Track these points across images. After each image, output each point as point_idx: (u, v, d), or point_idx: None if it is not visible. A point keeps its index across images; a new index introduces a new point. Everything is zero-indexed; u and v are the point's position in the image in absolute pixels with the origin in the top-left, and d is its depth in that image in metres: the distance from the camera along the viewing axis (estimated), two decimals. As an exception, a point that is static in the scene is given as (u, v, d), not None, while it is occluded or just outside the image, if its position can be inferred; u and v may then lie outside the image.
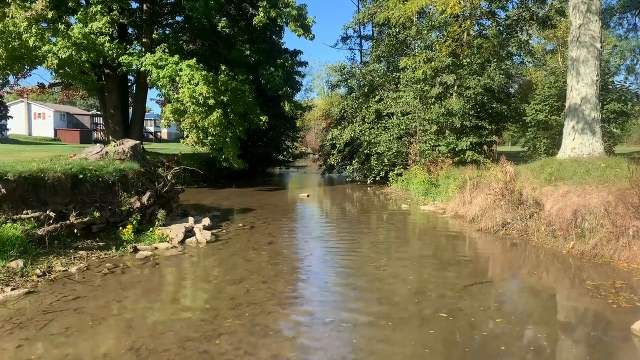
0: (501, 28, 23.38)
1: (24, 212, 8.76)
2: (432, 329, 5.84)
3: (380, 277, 8.15)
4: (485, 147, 19.31)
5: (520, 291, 7.76)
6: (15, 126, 49.91)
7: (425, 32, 23.20)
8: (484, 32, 23.23)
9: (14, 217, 8.52)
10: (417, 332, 5.76)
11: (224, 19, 24.75)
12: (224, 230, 12.15)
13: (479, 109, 21.07)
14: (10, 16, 18.10)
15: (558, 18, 24.27)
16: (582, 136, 14.02)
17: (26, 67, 20.93)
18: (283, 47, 29.24)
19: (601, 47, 14.67)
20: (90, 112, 59.43)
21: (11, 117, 45.78)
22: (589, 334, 5.86)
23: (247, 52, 23.27)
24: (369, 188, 24.06)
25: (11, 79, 23.69)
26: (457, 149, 19.83)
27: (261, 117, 22.20)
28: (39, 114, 54.01)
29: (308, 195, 20.80)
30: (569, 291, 7.73)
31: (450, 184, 16.35)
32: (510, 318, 6.20)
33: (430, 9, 23.36)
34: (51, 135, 50.12)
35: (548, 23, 23.52)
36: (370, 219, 15.29)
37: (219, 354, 5.11)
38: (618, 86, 23.02)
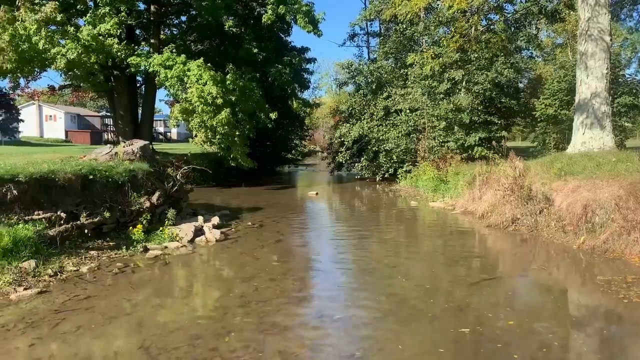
0: (509, 22, 23.19)
1: (36, 213, 8.85)
2: (442, 325, 5.83)
3: (390, 274, 8.14)
4: (494, 142, 19.19)
5: (531, 287, 7.71)
6: (27, 128, 50.46)
7: (433, 28, 23.08)
8: (492, 26, 23.06)
9: (26, 218, 8.62)
10: (427, 329, 5.75)
11: (232, 18, 24.79)
12: (233, 229, 12.19)
13: (487, 104, 20.93)
14: (20, 19, 18.27)
15: (567, 11, 24.00)
16: (592, 130, 13.90)
17: (36, 69, 21.12)
18: (291, 44, 29.23)
19: (610, 40, 14.51)
20: (100, 114, 59.86)
21: (22, 120, 46.21)
22: (600, 329, 5.81)
23: (255, 50, 23.29)
24: (377, 185, 24.02)
25: (22, 81, 23.86)
26: (466, 145, 19.73)
27: (270, 115, 22.20)
28: (50, 116, 54.58)
29: (317, 193, 20.80)
30: (580, 287, 7.68)
31: (460, 180, 16.27)
32: (521, 314, 6.17)
33: (437, 5, 23.24)
34: (62, 137, 50.61)
35: (557, 17, 23.28)
36: (379, 216, 15.27)
37: (228, 352, 5.15)
38: (629, 79, 22.83)
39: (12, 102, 44.44)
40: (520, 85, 26.93)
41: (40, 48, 18.43)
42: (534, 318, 6.03)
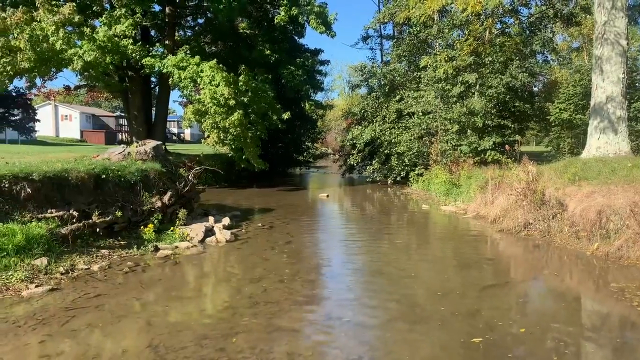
0: (524, 26, 22.98)
1: (49, 211, 8.95)
2: (451, 331, 5.77)
3: (400, 278, 8.09)
4: (507, 146, 18.99)
5: (543, 293, 7.61)
6: (43, 128, 51.16)
7: (447, 30, 22.94)
8: (506, 30, 22.88)
9: (39, 216, 8.72)
10: (436, 334, 5.69)
11: (246, 20, 24.90)
12: (243, 230, 12.22)
13: (501, 108, 20.74)
14: (38, 20, 18.54)
15: (583, 15, 23.73)
16: (608, 135, 13.71)
17: (52, 69, 21.40)
18: (304, 46, 29.28)
19: (627, 44, 14.31)
20: (115, 114, 60.52)
21: (38, 120, 46.82)
22: (613, 337, 5.71)
23: (268, 52, 23.37)
24: (389, 188, 23.93)
25: (38, 81, 24.19)
26: (479, 149, 19.57)
27: (283, 115, 22.24)
28: (66, 115, 55.33)
29: (328, 196, 20.78)
30: (593, 294, 7.57)
31: (472, 184, 16.14)
32: (532, 320, 6.08)
33: (451, 8, 23.12)
34: (77, 136, 51.26)
35: (573, 20, 23.03)
36: (390, 220, 15.20)
37: (235, 352, 5.14)
38: (646, 84, 22.41)
39: (29, 102, 45.05)
40: (535, 89, 26.63)
41: (57, 48, 18.68)
42: (546, 325, 5.94)
